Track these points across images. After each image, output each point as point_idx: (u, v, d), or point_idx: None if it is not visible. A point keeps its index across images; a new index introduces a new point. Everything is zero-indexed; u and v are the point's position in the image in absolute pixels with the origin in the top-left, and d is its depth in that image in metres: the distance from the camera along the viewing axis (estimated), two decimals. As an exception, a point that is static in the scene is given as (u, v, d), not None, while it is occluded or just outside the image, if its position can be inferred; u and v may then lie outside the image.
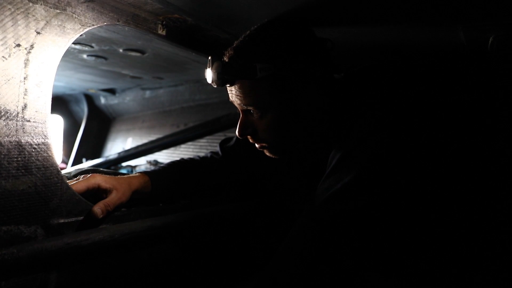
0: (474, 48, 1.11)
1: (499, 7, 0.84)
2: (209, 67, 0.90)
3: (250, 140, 0.98)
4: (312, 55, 0.88)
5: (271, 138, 0.93)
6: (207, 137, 2.24)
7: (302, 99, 0.89)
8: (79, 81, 2.44)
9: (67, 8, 0.81)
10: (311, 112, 0.90)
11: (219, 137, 2.05)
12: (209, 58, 0.91)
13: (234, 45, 0.91)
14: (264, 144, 0.95)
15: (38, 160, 0.75)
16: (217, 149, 1.28)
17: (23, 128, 0.73)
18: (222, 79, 0.88)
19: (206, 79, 0.94)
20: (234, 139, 1.28)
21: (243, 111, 0.94)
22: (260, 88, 0.87)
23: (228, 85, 0.91)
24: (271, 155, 0.98)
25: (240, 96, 0.89)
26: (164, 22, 1.07)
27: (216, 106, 2.37)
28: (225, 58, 0.91)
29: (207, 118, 2.26)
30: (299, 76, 0.86)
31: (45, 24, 0.77)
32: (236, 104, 0.93)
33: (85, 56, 1.68)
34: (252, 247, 1.26)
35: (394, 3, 0.85)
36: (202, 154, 1.27)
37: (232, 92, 0.91)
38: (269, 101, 0.88)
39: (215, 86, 0.91)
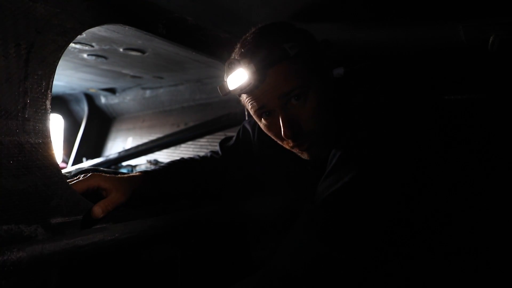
0: (475, 47, 1.11)
1: (499, 7, 0.84)
2: (232, 72, 0.84)
3: (292, 140, 0.88)
4: (317, 46, 0.90)
5: (319, 123, 0.87)
6: (207, 136, 2.24)
7: (331, 78, 0.90)
8: (79, 81, 2.45)
9: (67, 7, 0.81)
10: (334, 97, 0.91)
11: (219, 136, 2.05)
12: (228, 63, 0.86)
13: (243, 43, 0.88)
14: (309, 140, 0.88)
15: (38, 159, 0.75)
16: (217, 148, 1.28)
17: (23, 128, 0.73)
18: (260, 70, 0.80)
19: (227, 90, 0.87)
20: (234, 138, 1.28)
21: (281, 107, 0.85)
22: (297, 66, 0.84)
23: (260, 81, 0.82)
24: (311, 154, 0.91)
25: (277, 85, 0.83)
26: (164, 22, 1.07)
27: (216, 105, 2.37)
28: (236, 56, 0.87)
29: (207, 118, 2.26)
30: (321, 55, 0.88)
31: (45, 23, 0.77)
32: (271, 101, 0.85)
33: (85, 55, 1.68)
34: (252, 247, 1.26)
35: (395, 2, 0.85)
36: (202, 154, 1.27)
37: (264, 88, 0.83)
38: (309, 78, 0.85)
39: (252, 89, 0.83)
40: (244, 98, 0.91)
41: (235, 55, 0.90)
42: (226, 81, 0.88)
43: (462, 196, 0.89)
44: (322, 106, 0.86)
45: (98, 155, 3.08)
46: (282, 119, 0.85)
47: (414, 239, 0.85)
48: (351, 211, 0.76)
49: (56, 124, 3.19)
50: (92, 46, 1.51)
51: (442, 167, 0.88)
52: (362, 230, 0.76)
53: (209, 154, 1.26)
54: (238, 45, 0.92)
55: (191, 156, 1.24)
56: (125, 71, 2.09)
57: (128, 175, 0.99)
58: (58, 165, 0.78)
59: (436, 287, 0.84)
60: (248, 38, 0.89)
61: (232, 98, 0.92)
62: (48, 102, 0.77)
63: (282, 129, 0.85)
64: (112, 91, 2.91)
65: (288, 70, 0.83)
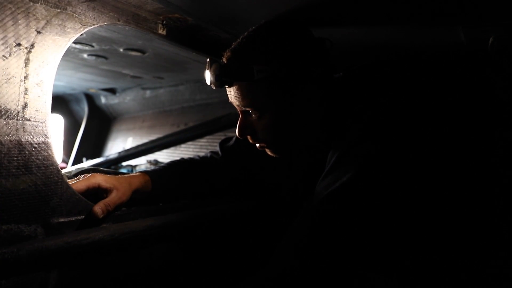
0: (475, 48, 1.11)
1: (499, 8, 0.84)
2: (207, 69, 0.91)
3: (250, 140, 0.98)
4: (309, 56, 0.88)
5: (270, 138, 0.94)
6: (207, 136, 2.24)
7: (300, 99, 0.89)
8: (79, 81, 2.45)
9: (68, 7, 0.81)
10: (309, 112, 0.91)
11: (219, 136, 2.06)
12: (208, 60, 0.91)
13: (232, 46, 0.92)
14: (263, 144, 0.96)
15: (38, 159, 0.75)
16: (217, 149, 1.28)
17: (24, 127, 0.73)
18: (220, 81, 0.88)
19: (205, 80, 0.95)
20: (234, 138, 1.28)
21: (242, 111, 0.95)
22: (258, 89, 0.87)
23: (226, 86, 0.91)
24: (272, 154, 0.99)
25: (238, 98, 0.91)
26: (164, 22, 1.07)
27: (216, 106, 2.37)
28: (223, 60, 0.92)
29: (207, 118, 2.26)
30: (296, 76, 0.87)
31: (46, 24, 0.77)
32: (235, 105, 0.95)
33: (85, 55, 1.68)
34: (252, 247, 1.26)
35: (395, 3, 0.86)
36: (202, 154, 1.27)
37: (231, 93, 0.93)
38: (266, 102, 0.88)
39: (214, 88, 0.92)
40: None
41: (224, 54, 0.93)
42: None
43: (463, 199, 0.89)
44: (278, 124, 0.91)
45: (98, 155, 3.08)
46: (239, 121, 0.95)
47: (412, 241, 0.85)
48: (349, 211, 0.76)
49: (56, 124, 3.19)
50: (92, 46, 1.51)
51: (441, 167, 0.88)
52: (359, 230, 0.76)
53: (209, 155, 1.26)
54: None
55: (191, 156, 1.24)
56: (125, 71, 2.09)
57: (128, 175, 1.00)
58: (58, 165, 0.78)
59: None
60: (234, 43, 0.92)
61: (232, 99, 0.94)
62: (48, 102, 0.77)
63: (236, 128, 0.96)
64: (112, 91, 2.91)
65: (247, 90, 0.89)
